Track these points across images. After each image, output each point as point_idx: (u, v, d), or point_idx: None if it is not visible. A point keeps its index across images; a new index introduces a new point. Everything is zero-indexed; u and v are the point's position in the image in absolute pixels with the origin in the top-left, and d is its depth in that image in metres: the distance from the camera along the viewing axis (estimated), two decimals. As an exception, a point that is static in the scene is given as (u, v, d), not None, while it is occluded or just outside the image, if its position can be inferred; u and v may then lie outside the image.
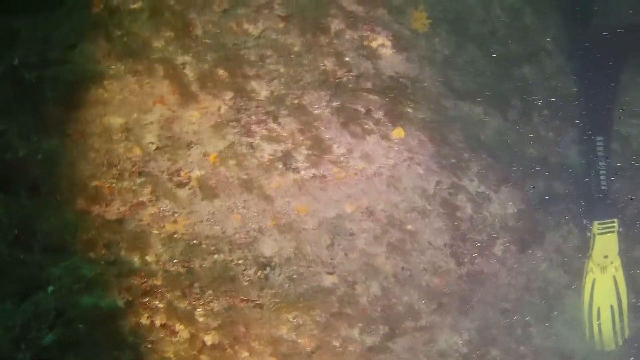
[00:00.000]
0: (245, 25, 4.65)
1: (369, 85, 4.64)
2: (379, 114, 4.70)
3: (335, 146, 4.60)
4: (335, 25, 4.70)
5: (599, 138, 5.23)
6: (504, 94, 5.75)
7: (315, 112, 4.51)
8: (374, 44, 4.81)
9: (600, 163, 5.23)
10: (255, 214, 4.49)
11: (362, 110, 4.71)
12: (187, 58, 4.43)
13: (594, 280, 5.44)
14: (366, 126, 4.61)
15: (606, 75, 5.23)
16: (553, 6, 6.23)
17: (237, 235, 4.47)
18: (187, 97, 4.48)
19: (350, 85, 4.55)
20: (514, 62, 6.04)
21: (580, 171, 5.74)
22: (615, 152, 5.94)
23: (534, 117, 5.91)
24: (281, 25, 4.45)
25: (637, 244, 5.80)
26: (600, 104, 5.32)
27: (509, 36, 6.15)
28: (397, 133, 4.60)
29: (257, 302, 4.28)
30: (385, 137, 4.66)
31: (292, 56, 4.48)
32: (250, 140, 4.59)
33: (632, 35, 5.05)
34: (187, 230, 4.23)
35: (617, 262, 5.41)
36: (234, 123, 4.60)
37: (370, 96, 4.61)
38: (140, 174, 4.27)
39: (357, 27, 4.71)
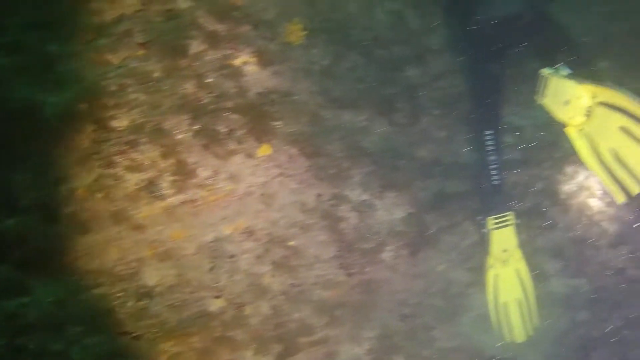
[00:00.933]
0: (106, 56, 4.46)
1: (230, 104, 4.52)
2: (241, 133, 4.54)
3: (200, 169, 4.56)
4: (196, 47, 4.66)
5: (487, 132, 5.25)
6: (389, 98, 5.67)
7: (177, 137, 4.40)
8: (237, 62, 4.74)
9: (490, 157, 5.22)
10: (131, 245, 4.30)
11: (225, 130, 4.60)
12: (48, 96, 4.19)
13: (497, 275, 5.45)
14: (229, 146, 4.50)
15: (490, 69, 5.20)
16: (436, 7, 6.09)
17: (117, 268, 4.25)
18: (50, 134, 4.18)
19: (211, 107, 4.49)
20: (399, 65, 5.94)
21: (474, 168, 5.61)
22: (509, 145, 5.91)
23: (423, 118, 5.82)
24: (141, 52, 4.38)
25: (539, 233, 5.69)
26: (487, 98, 5.23)
27: (392, 40, 6.07)
28: (264, 150, 4.53)
29: (135, 334, 4.11)
30: (251, 155, 4.58)
31: (151, 83, 4.31)
32: (114, 171, 4.54)
33: (509, 26, 5.15)
34: (66, 266, 3.97)
35: (518, 255, 5.41)
36: (96, 155, 4.50)
37: (232, 116, 4.58)
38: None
39: (218, 46, 4.65)
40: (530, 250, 5.58)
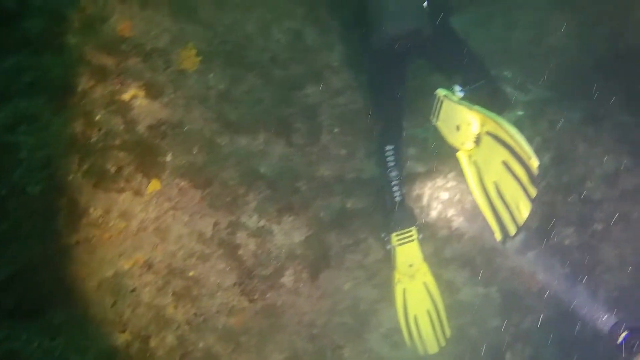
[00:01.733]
0: None
1: (118, 142, 4.46)
2: (129, 170, 4.48)
3: (91, 209, 4.46)
4: (84, 83, 4.45)
5: (388, 147, 5.31)
6: (287, 119, 5.66)
7: (67, 178, 4.24)
8: (125, 97, 4.72)
9: (391, 173, 5.26)
10: (32, 285, 4.24)
11: (113, 169, 4.47)
12: None
13: (404, 289, 5.46)
14: (118, 184, 4.46)
15: (390, 84, 5.20)
16: (334, 24, 6.09)
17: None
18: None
19: (99, 145, 4.40)
20: (297, 84, 5.96)
21: (375, 185, 5.65)
22: (413, 157, 6.00)
23: (323, 137, 5.78)
24: (30, 90, 4.26)
25: (446, 244, 5.68)
26: (387, 114, 5.15)
27: (290, 59, 6.08)
28: (153, 186, 4.50)
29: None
30: (139, 192, 4.54)
31: (40, 125, 4.22)
32: (5, 216, 4.22)
33: (409, 41, 5.28)
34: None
35: (425, 268, 5.44)
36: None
37: (120, 153, 4.48)
38: None
39: (106, 82, 4.56)
40: (438, 262, 5.66)
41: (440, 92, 4.82)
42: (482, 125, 4.33)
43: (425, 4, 5.15)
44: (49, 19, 4.80)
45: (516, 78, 7.02)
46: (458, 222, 5.60)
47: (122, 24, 5.03)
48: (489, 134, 4.19)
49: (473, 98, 4.85)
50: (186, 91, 5.37)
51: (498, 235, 4.12)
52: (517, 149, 3.94)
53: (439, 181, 5.62)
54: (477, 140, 4.34)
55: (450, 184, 5.63)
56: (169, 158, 4.64)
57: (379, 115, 5.63)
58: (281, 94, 5.94)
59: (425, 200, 5.83)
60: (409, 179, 5.65)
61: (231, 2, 6.20)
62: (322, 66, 6.16)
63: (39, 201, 4.17)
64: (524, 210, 3.95)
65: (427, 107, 5.38)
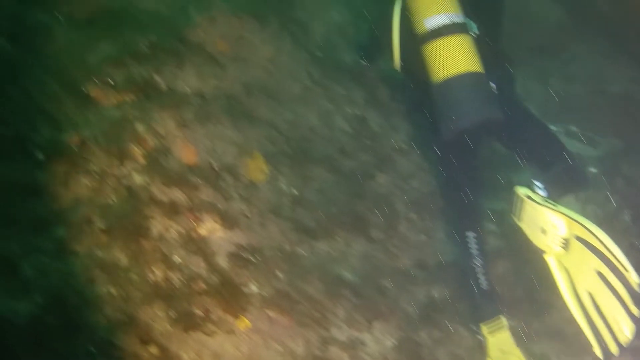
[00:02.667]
0: (70, 246, 4.26)
1: (201, 284, 4.39)
2: (217, 312, 4.44)
3: (183, 354, 4.38)
4: (158, 225, 4.37)
5: (469, 234, 5.15)
6: (363, 213, 5.55)
7: (156, 327, 4.18)
8: (202, 232, 4.60)
9: (475, 261, 5.15)
10: None
11: (200, 313, 4.49)
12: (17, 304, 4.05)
13: (500, 374, 4.90)
14: (208, 327, 4.36)
15: (461, 175, 5.03)
16: (396, 106, 6.02)
17: None
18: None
19: (184, 289, 4.32)
20: (368, 174, 5.85)
21: (458, 268, 5.53)
22: (492, 233, 5.92)
23: (401, 225, 5.66)
24: (104, 239, 4.17)
25: (536, 320, 5.59)
26: (462, 202, 5.00)
27: (358, 148, 5.93)
28: (242, 323, 4.40)
29: None
30: (231, 332, 4.44)
31: (120, 272, 4.12)
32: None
33: (476, 133, 5.18)
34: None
35: (517, 352, 5.27)
36: (72, 358, 4.14)
37: (205, 296, 4.39)
38: None
39: (180, 219, 4.47)
40: (528, 336, 5.47)
41: (520, 190, 4.68)
42: (570, 228, 4.18)
43: (494, 86, 5.03)
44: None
45: (583, 132, 6.84)
46: (545, 295, 5.34)
47: (186, 151, 4.90)
48: (578, 238, 3.97)
49: (553, 188, 4.71)
50: (260, 206, 5.23)
51: (598, 352, 3.96)
52: (610, 259, 3.71)
53: (523, 255, 5.35)
54: (566, 245, 4.20)
55: (535, 258, 5.41)
56: (254, 288, 4.60)
57: (454, 204, 5.47)
58: (354, 188, 5.86)
59: (510, 278, 5.74)
60: (491, 257, 5.48)
61: (288, 97, 6.11)
62: (390, 150, 6.05)
63: (129, 355, 4.05)
64: (627, 330, 3.74)
65: (502, 181, 5.19)
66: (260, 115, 5.81)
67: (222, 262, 4.84)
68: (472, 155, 5.32)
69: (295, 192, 5.60)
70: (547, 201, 4.50)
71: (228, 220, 4.98)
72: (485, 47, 5.13)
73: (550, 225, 4.32)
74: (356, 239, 5.68)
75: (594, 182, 6.46)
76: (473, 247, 5.07)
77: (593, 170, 6.62)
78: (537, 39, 7.66)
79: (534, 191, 4.68)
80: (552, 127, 6.56)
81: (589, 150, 6.94)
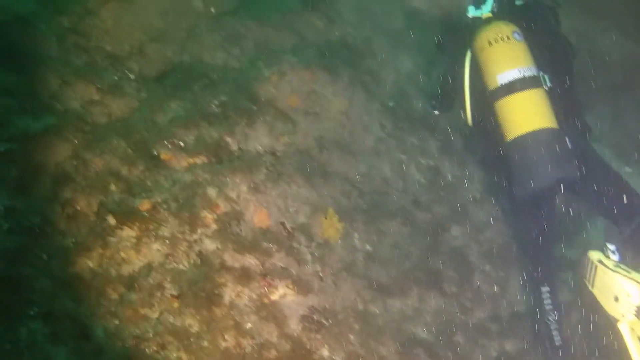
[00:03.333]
0: (142, 311, 4.31)
1: (273, 352, 4.30)
2: None
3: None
4: (229, 292, 4.38)
5: (544, 289, 5.11)
6: (437, 268, 5.50)
7: None
8: (275, 297, 4.57)
9: (549, 317, 5.07)
10: None
11: None
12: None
13: None
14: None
15: (540, 228, 4.96)
16: (472, 157, 5.97)
17: None
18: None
19: (254, 357, 4.32)
20: (443, 226, 5.80)
21: (533, 319, 5.45)
22: (567, 284, 5.90)
23: (474, 278, 5.63)
24: (176, 305, 4.20)
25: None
26: (538, 258, 4.95)
27: (432, 200, 5.88)
28: (312, 392, 4.35)
29: None
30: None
31: (191, 339, 4.14)
32: None
33: (551, 192, 5.13)
34: None
35: None
36: None
37: (277, 363, 4.30)
38: None
39: (253, 285, 4.47)
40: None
41: (594, 255, 4.55)
42: None
43: (568, 142, 4.94)
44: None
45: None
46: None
47: (259, 214, 4.92)
48: None
49: (631, 247, 4.63)
50: (334, 264, 5.19)
51: None
52: None
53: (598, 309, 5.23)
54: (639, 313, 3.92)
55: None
56: (326, 353, 4.47)
57: (528, 257, 5.43)
58: (428, 241, 5.82)
59: (584, 330, 5.60)
60: (566, 309, 5.44)
61: (361, 149, 6.20)
62: (464, 201, 5.95)
63: None
64: None
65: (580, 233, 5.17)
66: (333, 169, 5.83)
67: (294, 326, 4.82)
68: (548, 211, 5.25)
69: (369, 248, 5.60)
70: (619, 266, 4.38)
71: (301, 285, 4.97)
72: (559, 98, 5.05)
73: (623, 292, 4.25)
74: (430, 294, 5.61)
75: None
76: (547, 302, 4.96)
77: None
78: (608, 77, 7.47)
79: (606, 255, 4.55)
80: (628, 169, 6.43)
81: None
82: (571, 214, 5.37)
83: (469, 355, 5.38)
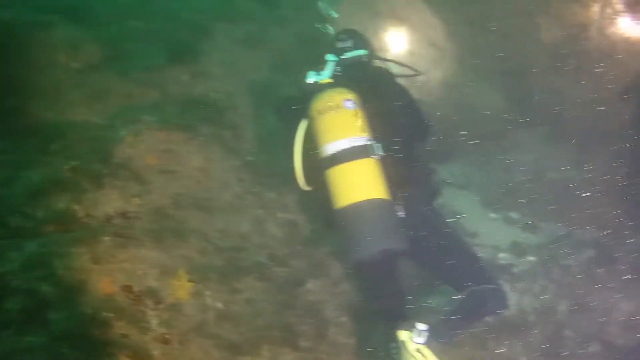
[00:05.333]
0: None
1: None
2: None
3: None
4: None
5: (392, 345, 5.10)
6: (291, 324, 5.60)
7: None
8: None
9: None
10: None
11: None
12: None
13: None
14: None
15: (379, 293, 5.40)
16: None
17: None
18: None
19: None
20: (299, 281, 5.87)
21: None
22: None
23: (330, 331, 5.83)
24: None
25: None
26: (386, 315, 5.17)
27: (289, 254, 5.98)
28: None
29: None
30: None
31: None
32: None
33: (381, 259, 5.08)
34: None
35: None
36: None
37: None
38: None
39: None
40: None
41: (401, 335, 4.73)
42: None
43: (401, 212, 4.98)
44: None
45: (524, 218, 6.90)
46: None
47: (102, 282, 4.89)
48: None
49: (466, 313, 4.89)
50: (182, 325, 5.24)
51: None
52: None
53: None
54: None
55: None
56: None
57: (377, 316, 5.41)
58: (283, 297, 5.89)
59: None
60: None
61: (219, 206, 6.26)
62: (322, 255, 6.02)
63: None
64: None
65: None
66: (189, 227, 5.89)
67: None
68: (387, 275, 5.32)
69: (220, 305, 5.60)
70: (420, 351, 4.56)
71: (141, 352, 4.99)
72: (394, 167, 5.07)
73: None
74: (282, 350, 5.63)
75: (532, 271, 6.48)
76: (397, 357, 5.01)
77: (531, 259, 6.66)
78: (475, 127, 7.70)
79: (413, 337, 4.70)
80: (493, 215, 6.64)
81: (529, 237, 7.01)
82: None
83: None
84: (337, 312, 6.14)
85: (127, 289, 5.26)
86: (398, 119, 5.34)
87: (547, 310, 6.32)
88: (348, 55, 5.74)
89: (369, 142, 5.06)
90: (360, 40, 5.87)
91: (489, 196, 6.97)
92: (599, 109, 5.85)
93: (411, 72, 5.99)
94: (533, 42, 7.44)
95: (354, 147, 5.00)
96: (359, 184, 4.96)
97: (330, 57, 5.58)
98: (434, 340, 4.73)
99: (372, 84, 5.37)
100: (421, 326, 4.74)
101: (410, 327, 4.76)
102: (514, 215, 7.02)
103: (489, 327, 5.95)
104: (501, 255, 6.72)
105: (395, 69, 5.75)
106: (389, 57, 5.89)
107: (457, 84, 7.55)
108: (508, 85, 7.49)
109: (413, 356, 4.52)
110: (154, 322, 5.25)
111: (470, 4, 7.55)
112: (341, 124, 5.08)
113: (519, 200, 7.10)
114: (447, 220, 5.36)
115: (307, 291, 6.18)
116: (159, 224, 5.70)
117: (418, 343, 4.67)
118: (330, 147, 5.01)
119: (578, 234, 6.69)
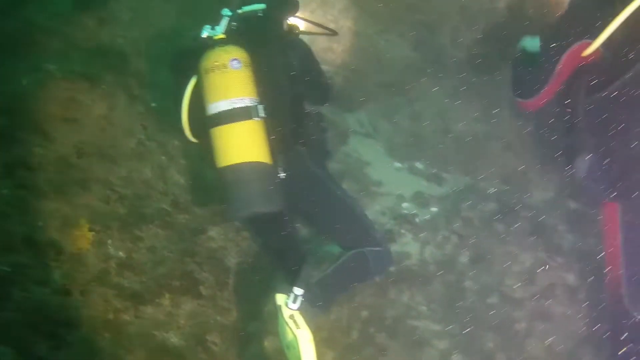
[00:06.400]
0: None
1: None
2: None
3: None
4: None
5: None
6: (192, 272, 5.99)
7: None
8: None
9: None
10: None
11: None
12: None
13: None
14: None
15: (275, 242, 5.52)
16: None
17: None
18: None
19: None
20: (200, 229, 6.26)
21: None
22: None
23: (231, 279, 6.28)
24: None
25: None
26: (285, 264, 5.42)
27: (191, 201, 6.13)
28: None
29: None
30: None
31: None
32: None
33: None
34: None
35: None
36: None
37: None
38: None
39: None
40: None
41: (278, 298, 4.88)
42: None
43: (281, 174, 5.04)
44: None
45: (429, 169, 7.01)
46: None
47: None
48: None
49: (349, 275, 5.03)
50: (83, 276, 5.29)
51: None
52: None
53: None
54: None
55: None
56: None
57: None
58: (185, 244, 6.00)
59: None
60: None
61: (122, 153, 6.29)
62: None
63: None
64: None
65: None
66: (93, 176, 5.90)
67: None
68: (272, 233, 5.44)
69: (122, 254, 5.66)
70: (293, 317, 4.74)
71: (40, 309, 4.91)
72: (277, 128, 5.05)
73: (289, 344, 4.69)
74: (184, 298, 5.74)
75: (434, 222, 6.61)
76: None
77: (434, 209, 6.78)
78: (384, 77, 7.76)
79: (288, 302, 4.88)
80: (397, 164, 6.72)
81: (434, 188, 7.13)
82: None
83: (224, 355, 5.56)
84: (238, 259, 6.26)
85: (27, 241, 5.20)
86: (286, 79, 5.26)
87: (448, 261, 6.39)
88: (244, 9, 5.44)
89: (251, 104, 4.97)
90: None
91: (395, 146, 7.03)
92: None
93: (321, 30, 5.89)
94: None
95: (235, 108, 4.93)
96: (237, 146, 4.94)
97: (225, 11, 5.34)
98: (310, 305, 4.86)
99: (263, 42, 5.22)
100: (297, 290, 4.84)
101: (288, 291, 4.85)
102: (419, 165, 7.14)
103: (391, 276, 6.07)
104: (404, 204, 6.78)
105: (302, 26, 5.64)
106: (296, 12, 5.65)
107: (366, 33, 7.47)
108: (417, 37, 7.46)
109: (286, 323, 4.63)
110: (55, 274, 5.18)
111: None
112: (224, 84, 4.97)
113: (425, 151, 7.09)
114: (333, 181, 5.40)
115: (208, 238, 6.26)
116: (62, 174, 5.63)
117: (292, 309, 4.75)
118: (213, 107, 4.95)
119: (482, 186, 6.80)
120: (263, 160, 4.99)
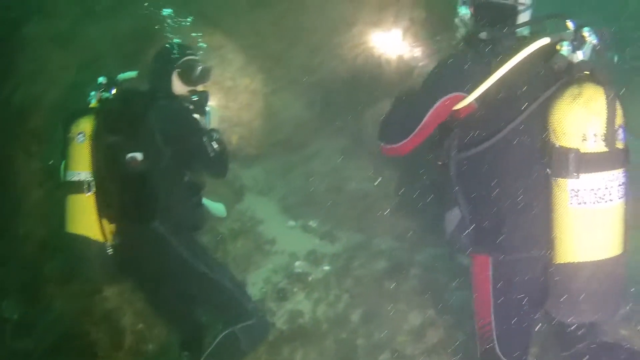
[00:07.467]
0: None
1: None
2: None
3: None
4: None
5: None
6: (88, 332, 5.67)
7: None
8: None
9: None
10: None
11: None
12: None
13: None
14: None
15: None
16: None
17: None
18: None
19: None
20: (96, 289, 5.93)
21: None
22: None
23: (126, 340, 5.79)
24: None
25: None
26: None
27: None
28: None
29: None
30: None
31: None
32: None
33: None
34: None
35: None
36: None
37: None
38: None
39: None
40: None
41: None
42: None
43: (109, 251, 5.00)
44: None
45: (322, 227, 7.17)
46: None
47: None
48: None
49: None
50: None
51: None
52: None
53: None
54: None
55: None
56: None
57: None
58: (81, 304, 6.23)
59: None
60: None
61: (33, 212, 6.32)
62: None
63: None
64: None
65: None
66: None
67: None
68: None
69: (16, 317, 5.86)
70: None
71: None
72: (111, 203, 4.96)
73: None
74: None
75: (326, 280, 6.78)
76: None
77: (326, 267, 6.94)
78: (279, 135, 7.95)
79: None
80: (292, 223, 6.86)
81: (327, 246, 7.30)
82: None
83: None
84: (134, 320, 6.17)
85: None
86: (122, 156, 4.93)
87: (340, 320, 6.54)
88: (120, 77, 5.17)
89: (84, 178, 4.88)
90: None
91: (289, 203, 7.21)
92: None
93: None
94: (337, 58, 7.59)
95: (72, 181, 4.88)
96: (70, 216, 4.92)
97: (101, 78, 5.12)
98: None
99: (122, 112, 4.97)
100: None
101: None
102: (312, 223, 7.27)
103: (284, 335, 6.22)
104: (297, 263, 6.89)
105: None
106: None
107: (262, 92, 7.66)
108: (311, 97, 7.67)
109: None
110: None
111: (284, 18, 7.64)
112: (71, 155, 4.92)
113: (318, 209, 7.27)
114: (198, 257, 5.13)
115: (103, 299, 6.21)
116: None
117: None
118: (66, 175, 4.91)
119: (373, 244, 6.94)
120: (88, 235, 4.90)
